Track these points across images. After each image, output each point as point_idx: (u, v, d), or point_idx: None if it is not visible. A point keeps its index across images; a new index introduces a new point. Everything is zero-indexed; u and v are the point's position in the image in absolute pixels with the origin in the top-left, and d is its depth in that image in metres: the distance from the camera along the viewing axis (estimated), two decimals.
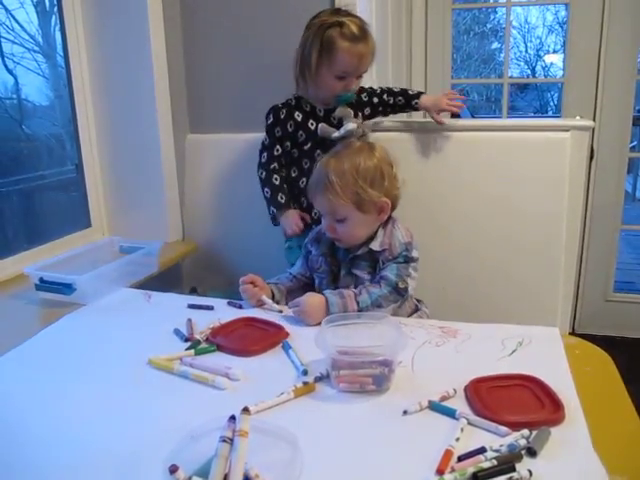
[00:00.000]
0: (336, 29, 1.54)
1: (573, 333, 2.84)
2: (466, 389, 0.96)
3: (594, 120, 2.58)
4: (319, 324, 1.10)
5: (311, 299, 1.29)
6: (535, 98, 8.99)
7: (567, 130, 1.53)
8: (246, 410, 0.79)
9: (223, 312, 1.35)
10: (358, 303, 1.28)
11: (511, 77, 8.61)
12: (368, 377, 0.97)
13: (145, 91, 1.98)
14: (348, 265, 1.40)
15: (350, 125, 1.56)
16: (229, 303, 1.41)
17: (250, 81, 2.06)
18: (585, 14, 2.53)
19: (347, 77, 1.59)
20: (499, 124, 1.77)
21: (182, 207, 2.19)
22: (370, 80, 1.79)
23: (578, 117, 2.46)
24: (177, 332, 1.25)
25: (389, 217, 1.39)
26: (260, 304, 1.38)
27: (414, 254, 1.36)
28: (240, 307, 1.39)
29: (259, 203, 1.76)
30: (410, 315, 1.45)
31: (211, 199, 2.18)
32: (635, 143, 5.54)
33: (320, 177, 1.33)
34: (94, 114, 2.08)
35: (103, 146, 2.11)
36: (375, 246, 1.36)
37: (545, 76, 8.87)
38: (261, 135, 1.77)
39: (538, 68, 9.12)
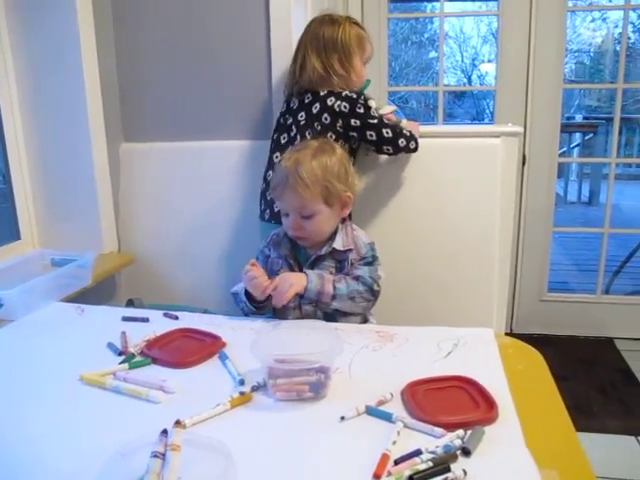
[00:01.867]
0: (356, 25, 1.69)
1: (511, 333, 2.93)
2: (403, 392, 0.96)
3: (525, 127, 2.68)
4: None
5: (290, 274, 1.34)
6: (472, 106, 9.25)
7: (498, 136, 1.58)
8: (179, 423, 0.77)
9: (159, 324, 1.31)
10: (335, 288, 1.31)
11: (447, 85, 8.89)
12: (305, 385, 0.96)
13: (76, 99, 1.92)
14: (311, 266, 1.41)
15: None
16: (165, 314, 1.38)
17: (185, 89, 2.03)
18: (514, 25, 2.62)
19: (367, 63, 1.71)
20: (434, 131, 1.81)
21: (118, 217, 2.13)
22: None
23: (510, 124, 2.56)
24: (111, 346, 1.21)
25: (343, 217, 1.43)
26: (264, 294, 1.34)
27: (377, 253, 1.41)
28: (176, 318, 1.36)
29: (197, 213, 1.73)
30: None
31: (148, 209, 2.14)
32: (565, 149, 5.82)
33: (287, 174, 1.35)
34: (22, 122, 2.00)
35: (32, 155, 2.03)
36: (338, 245, 1.39)
37: (480, 84, 9.14)
38: (198, 143, 1.75)
39: (474, 77, 9.42)
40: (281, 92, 1.79)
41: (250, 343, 1.00)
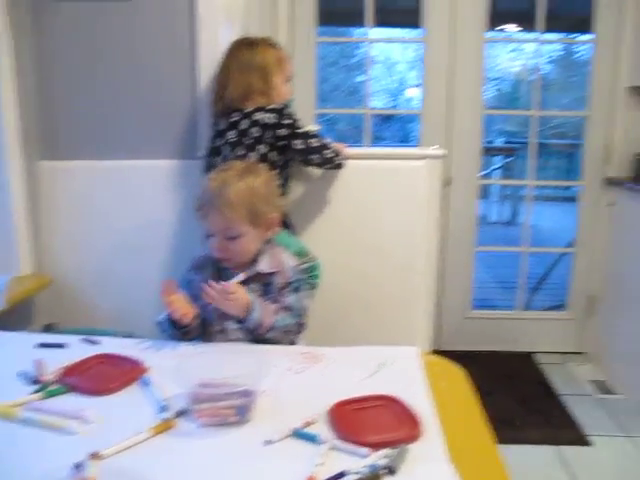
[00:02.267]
0: (274, 46, 1.76)
1: (438, 350, 2.98)
2: (329, 413, 0.96)
3: (449, 150, 2.77)
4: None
5: (243, 294, 1.30)
6: (399, 129, 9.52)
7: (422, 158, 1.63)
8: (94, 455, 0.74)
9: (77, 350, 1.26)
10: (274, 321, 1.30)
11: (373, 108, 9.09)
12: (230, 409, 0.94)
13: None
14: None
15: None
16: (85, 340, 1.32)
17: (108, 107, 1.98)
18: (437, 53, 2.73)
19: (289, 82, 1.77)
20: (360, 153, 1.84)
21: (36, 238, 2.04)
22: None
23: (435, 146, 2.64)
24: (23, 375, 1.14)
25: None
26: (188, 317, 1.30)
27: (303, 275, 1.43)
28: (96, 343, 1.30)
29: (123, 233, 1.68)
30: None
31: (70, 229, 2.05)
32: (487, 171, 6.07)
33: (213, 195, 1.33)
34: None
35: None
36: (263, 268, 1.38)
37: (407, 108, 9.43)
38: (122, 162, 1.71)
39: (401, 100, 9.71)
40: (206, 111, 1.79)
41: (173, 368, 0.97)
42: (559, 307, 3.11)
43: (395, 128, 9.41)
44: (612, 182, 2.81)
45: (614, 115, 2.79)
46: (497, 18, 5.02)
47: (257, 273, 1.38)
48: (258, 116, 1.65)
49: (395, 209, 1.68)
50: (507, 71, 9.13)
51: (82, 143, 2.02)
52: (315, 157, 1.66)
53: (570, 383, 2.72)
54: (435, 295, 2.86)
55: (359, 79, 9.86)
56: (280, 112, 1.65)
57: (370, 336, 1.65)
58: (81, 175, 2.02)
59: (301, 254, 1.72)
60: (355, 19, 2.77)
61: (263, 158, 1.67)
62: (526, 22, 2.85)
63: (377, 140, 8.95)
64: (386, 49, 9.28)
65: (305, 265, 1.72)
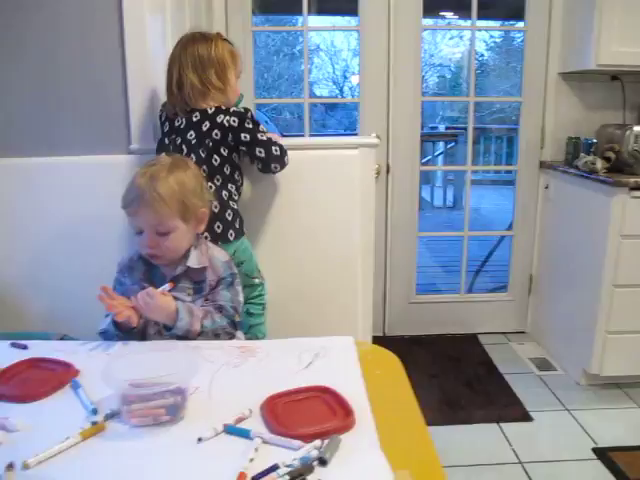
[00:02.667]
0: (226, 41, 1.71)
1: (383, 336, 3.04)
2: (262, 407, 0.96)
3: (388, 137, 2.80)
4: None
5: (165, 301, 1.26)
6: (344, 116, 9.55)
7: (356, 147, 1.64)
8: (10, 467, 0.71)
9: (5, 355, 1.21)
10: (202, 326, 1.28)
11: (320, 97, 9.11)
12: (161, 408, 0.93)
13: None
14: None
15: None
16: (13, 344, 1.27)
17: (33, 102, 1.90)
18: (374, 41, 2.74)
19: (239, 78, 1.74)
20: (295, 143, 1.82)
21: None
22: None
23: (374, 134, 2.65)
24: None
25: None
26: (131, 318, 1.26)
27: (235, 270, 1.40)
28: (25, 348, 1.26)
29: (54, 231, 1.63)
30: None
31: (0, 227, 1.97)
32: (430, 157, 6.17)
33: (142, 190, 1.30)
34: None
35: None
36: (193, 263, 1.36)
37: (352, 96, 9.46)
38: (53, 159, 1.64)
39: (345, 88, 9.74)
40: (137, 105, 1.74)
41: (102, 369, 0.95)
42: (501, 289, 3.19)
43: (340, 115, 9.44)
44: (546, 165, 2.90)
45: (547, 101, 2.87)
46: (435, 5, 5.12)
47: (187, 269, 1.36)
48: (220, 119, 1.61)
49: (330, 198, 1.69)
50: (449, 58, 9.27)
51: (13, 140, 1.93)
52: (277, 165, 1.64)
53: (513, 362, 2.81)
54: (378, 282, 2.91)
55: (302, 67, 9.86)
56: (243, 115, 1.62)
57: (312, 327, 1.65)
58: (14, 173, 1.94)
59: (253, 271, 1.70)
60: (295, 7, 2.75)
61: (225, 160, 1.64)
62: (463, 10, 2.89)
63: (322, 128, 8.98)
64: (329, 37, 9.28)
65: (256, 281, 1.71)
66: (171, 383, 0.94)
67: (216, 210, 1.58)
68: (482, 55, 9.33)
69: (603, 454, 2.10)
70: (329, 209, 1.69)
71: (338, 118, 9.44)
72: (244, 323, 1.67)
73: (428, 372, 2.66)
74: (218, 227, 1.59)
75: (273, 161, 1.63)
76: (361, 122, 2.82)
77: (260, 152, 1.61)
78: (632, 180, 2.29)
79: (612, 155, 2.45)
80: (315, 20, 6.51)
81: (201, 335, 1.28)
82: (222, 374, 1.10)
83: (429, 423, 2.33)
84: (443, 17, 5.92)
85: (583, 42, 2.59)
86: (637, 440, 2.19)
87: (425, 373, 2.65)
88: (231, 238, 1.61)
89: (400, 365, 1.14)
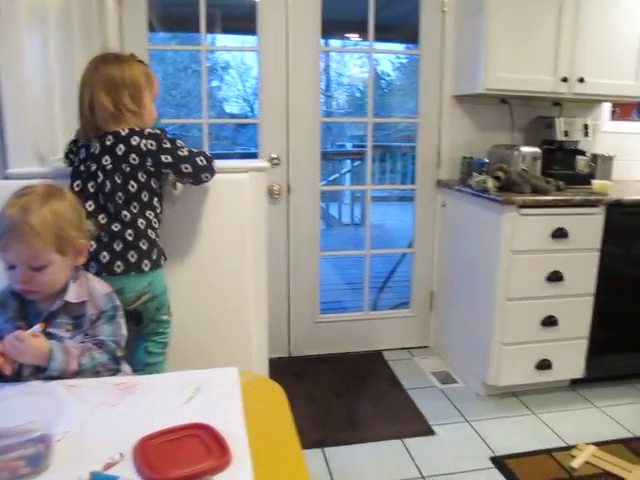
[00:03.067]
0: (141, 62, 1.65)
1: (289, 357, 3.02)
2: (135, 450, 0.91)
3: (288, 158, 2.80)
4: None
5: (36, 343, 1.17)
6: (255, 133, 9.53)
7: (246, 172, 1.62)
8: None
9: None
10: (80, 364, 1.20)
11: (225, 116, 9.03)
12: (20, 460, 0.86)
13: None
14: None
15: None
16: None
17: None
18: (273, 61, 2.74)
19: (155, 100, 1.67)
20: None
21: None
22: None
23: (273, 155, 2.66)
24: None
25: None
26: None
27: (117, 302, 1.33)
28: None
29: None
30: None
31: None
32: (337, 175, 6.26)
33: (13, 222, 1.20)
34: None
35: None
36: (71, 297, 1.27)
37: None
38: None
39: (256, 106, 9.71)
40: (14, 125, 1.64)
41: None
42: (404, 305, 3.26)
43: (252, 133, 9.40)
44: (443, 184, 3.00)
45: (442, 122, 2.98)
46: (339, 27, 5.23)
47: (65, 304, 1.27)
48: (135, 141, 1.53)
49: (223, 223, 1.65)
50: (357, 77, 9.49)
51: None
52: (207, 175, 1.59)
53: (416, 377, 2.86)
54: (282, 303, 2.89)
55: (213, 84, 9.76)
56: (159, 137, 1.55)
57: (211, 351, 1.61)
58: None
59: (163, 306, 1.62)
60: (194, 26, 2.71)
61: (143, 186, 1.55)
62: (367, 32, 2.95)
63: (234, 145, 8.92)
64: (240, 55, 9.26)
65: (164, 317, 1.63)
66: (34, 430, 0.87)
67: (130, 238, 1.51)
68: (389, 75, 9.66)
69: (500, 462, 2.17)
70: (220, 234, 1.65)
71: (249, 135, 9.41)
72: (141, 360, 1.60)
73: (333, 391, 2.67)
74: (132, 256, 1.51)
75: (202, 172, 1.58)
76: (261, 143, 2.81)
77: (187, 168, 1.56)
78: (520, 198, 2.41)
79: (502, 175, 2.57)
80: (224, 39, 6.49)
81: (79, 374, 1.20)
82: (96, 415, 1.03)
83: (333, 444, 2.32)
84: (348, 38, 6.07)
85: (473, 67, 2.72)
86: (531, 445, 2.28)
87: (330, 392, 2.65)
88: (146, 269, 1.52)
89: (283, 396, 1.12)
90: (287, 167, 2.82)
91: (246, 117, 9.41)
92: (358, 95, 9.91)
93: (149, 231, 1.55)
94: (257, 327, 1.64)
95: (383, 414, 2.49)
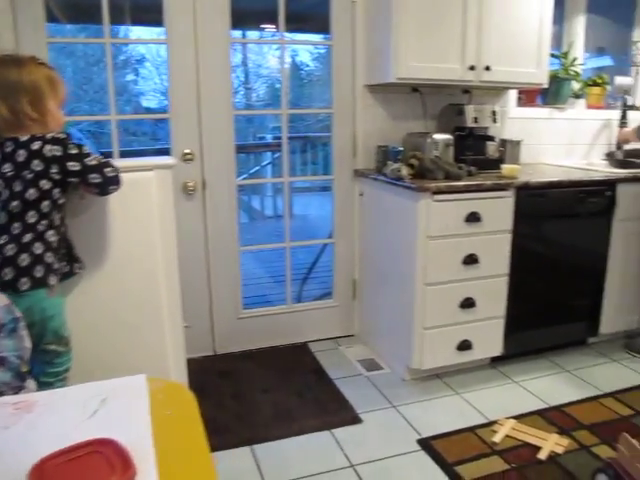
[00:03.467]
0: (43, 65, 1.54)
1: (214, 355, 2.97)
2: (30, 475, 0.85)
3: (201, 152, 2.74)
4: None
5: None
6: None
7: (151, 169, 1.56)
8: None
9: None
10: None
11: (148, 110, 8.75)
12: None
13: None
14: None
15: None
16: None
17: None
18: (181, 54, 2.66)
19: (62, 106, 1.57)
20: None
21: None
22: None
23: (187, 150, 2.59)
24: None
25: None
26: None
27: (17, 313, 1.26)
28: None
29: None
30: None
31: None
32: (258, 167, 6.21)
33: None
34: None
35: None
36: None
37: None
38: None
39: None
40: None
41: None
42: (327, 295, 3.27)
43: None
44: (359, 173, 3.02)
45: (356, 111, 3.00)
46: (254, 18, 5.16)
47: None
48: (37, 146, 1.43)
49: (130, 224, 1.59)
50: (276, 69, 9.43)
51: None
52: (114, 187, 1.51)
53: (342, 366, 2.88)
54: (203, 301, 2.83)
55: (128, 78, 9.41)
56: (64, 141, 1.46)
57: (126, 356, 1.55)
58: None
59: (51, 335, 1.50)
60: (114, 17, 2.58)
61: (44, 195, 1.45)
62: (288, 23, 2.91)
63: (153, 141, 8.64)
64: (155, 47, 8.97)
65: (52, 348, 1.51)
66: None
67: (10, 253, 1.40)
68: (308, 65, 9.64)
69: (426, 444, 2.22)
70: (127, 235, 1.59)
71: (168, 130, 9.16)
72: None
73: (260, 387, 2.64)
74: (6, 274, 1.40)
75: (110, 183, 1.50)
76: (173, 138, 2.72)
77: (95, 178, 1.47)
78: (433, 185, 2.46)
79: (415, 162, 2.61)
80: (138, 31, 6.28)
81: None
82: None
83: (261, 440, 2.29)
84: (264, 29, 6.00)
85: (383, 57, 2.74)
86: (455, 425, 2.35)
87: (257, 388, 2.63)
88: (23, 287, 1.40)
89: (193, 401, 1.09)
90: (201, 162, 2.75)
91: (165, 112, 9.16)
92: (278, 86, 9.85)
93: (36, 245, 1.44)
94: (172, 327, 1.59)
95: (310, 406, 2.48)
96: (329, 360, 2.94)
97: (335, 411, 2.45)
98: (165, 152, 2.82)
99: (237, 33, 6.14)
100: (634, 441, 1.80)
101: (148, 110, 9.01)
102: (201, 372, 2.77)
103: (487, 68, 2.80)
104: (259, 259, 4.37)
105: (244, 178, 4.95)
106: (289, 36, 2.99)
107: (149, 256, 1.55)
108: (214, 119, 2.74)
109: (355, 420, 2.39)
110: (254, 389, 2.62)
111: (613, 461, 1.87)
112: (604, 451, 2.16)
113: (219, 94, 2.73)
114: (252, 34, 6.94)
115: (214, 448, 2.13)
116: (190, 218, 2.77)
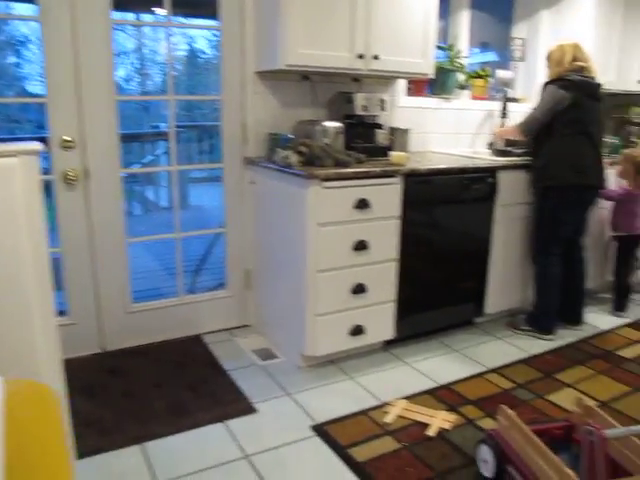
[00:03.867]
0: None
1: (105, 352, 2.84)
2: None
3: (83, 140, 2.59)
4: None
5: None
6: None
7: (14, 155, 1.44)
8: None
9: None
10: None
11: (34, 95, 8.18)
12: None
13: None
14: None
15: None
16: None
17: None
18: (57, 34, 2.48)
19: None
20: None
21: None
22: None
23: (66, 137, 2.44)
24: None
25: None
26: None
27: None
28: None
29: None
30: None
31: None
32: (151, 157, 6.00)
33: None
34: None
35: None
36: None
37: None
38: None
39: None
40: None
41: None
42: (221, 286, 3.22)
43: None
44: (250, 161, 2.98)
45: (246, 98, 2.95)
46: (145, 0, 4.95)
47: None
48: None
49: None
50: (172, 55, 9.16)
51: None
52: None
53: (237, 357, 2.84)
54: (87, 297, 2.69)
55: (10, 60, 8.76)
56: None
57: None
58: None
59: None
60: None
61: None
62: (177, 7, 2.81)
63: (40, 130, 8.10)
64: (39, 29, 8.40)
65: None
66: None
67: None
68: (205, 52, 9.43)
69: (320, 429, 2.24)
70: None
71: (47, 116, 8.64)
72: None
73: (152, 382, 2.56)
74: None
75: None
76: (51, 124, 2.54)
77: None
78: (322, 172, 2.47)
79: (305, 149, 2.61)
80: (22, 8, 5.85)
81: None
82: None
83: (153, 437, 2.20)
84: (154, 13, 5.76)
85: (272, 44, 2.71)
86: (349, 409, 2.39)
87: (149, 384, 2.54)
88: None
89: (54, 399, 1.03)
90: (83, 150, 2.60)
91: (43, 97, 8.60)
92: (176, 74, 9.58)
93: None
94: (43, 324, 1.48)
95: (204, 399, 2.44)
96: (224, 351, 2.89)
97: (229, 402, 2.41)
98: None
99: (130, 16, 5.87)
100: (510, 412, 1.91)
101: (34, 95, 8.44)
102: (89, 371, 2.64)
103: (375, 57, 2.85)
104: (151, 251, 4.22)
105: (130, 168, 4.73)
106: (182, 21, 2.89)
107: (14, 248, 1.44)
108: (96, 105, 2.60)
109: (250, 410, 2.37)
110: (146, 385, 2.53)
111: (493, 432, 1.97)
112: (488, 424, 2.28)
113: (100, 78, 2.59)
114: (146, 18, 6.67)
115: (101, 450, 2.07)
116: (71, 208, 2.62)
